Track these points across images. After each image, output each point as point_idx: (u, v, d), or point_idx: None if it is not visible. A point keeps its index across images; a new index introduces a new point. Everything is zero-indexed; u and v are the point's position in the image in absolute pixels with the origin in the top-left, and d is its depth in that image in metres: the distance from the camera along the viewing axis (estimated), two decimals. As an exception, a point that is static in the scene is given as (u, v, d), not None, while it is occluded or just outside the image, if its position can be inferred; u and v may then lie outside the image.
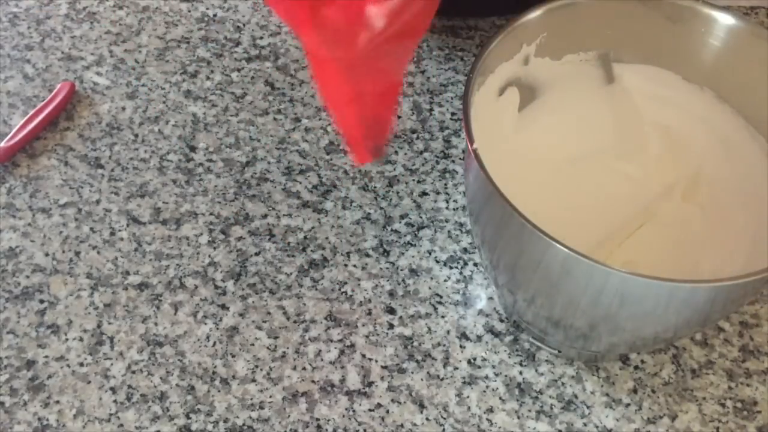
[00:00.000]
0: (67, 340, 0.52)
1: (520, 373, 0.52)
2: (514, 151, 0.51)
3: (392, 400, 0.51)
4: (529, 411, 0.51)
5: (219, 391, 0.51)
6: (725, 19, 0.50)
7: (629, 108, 0.54)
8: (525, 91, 0.53)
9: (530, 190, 0.46)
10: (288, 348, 0.53)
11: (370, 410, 0.51)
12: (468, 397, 0.51)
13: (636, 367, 0.53)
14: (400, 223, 0.59)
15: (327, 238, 0.58)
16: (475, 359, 0.53)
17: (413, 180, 0.61)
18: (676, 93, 0.53)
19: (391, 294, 0.55)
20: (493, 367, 0.53)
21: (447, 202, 0.60)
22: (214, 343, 0.53)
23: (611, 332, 0.47)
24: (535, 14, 0.50)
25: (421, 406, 0.51)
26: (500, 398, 0.51)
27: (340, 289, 0.55)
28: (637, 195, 0.51)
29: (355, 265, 0.56)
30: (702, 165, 0.52)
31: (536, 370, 0.53)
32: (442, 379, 0.52)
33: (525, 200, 0.42)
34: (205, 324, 0.53)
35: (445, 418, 0.50)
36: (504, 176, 0.42)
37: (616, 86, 0.54)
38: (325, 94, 0.43)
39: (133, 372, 0.51)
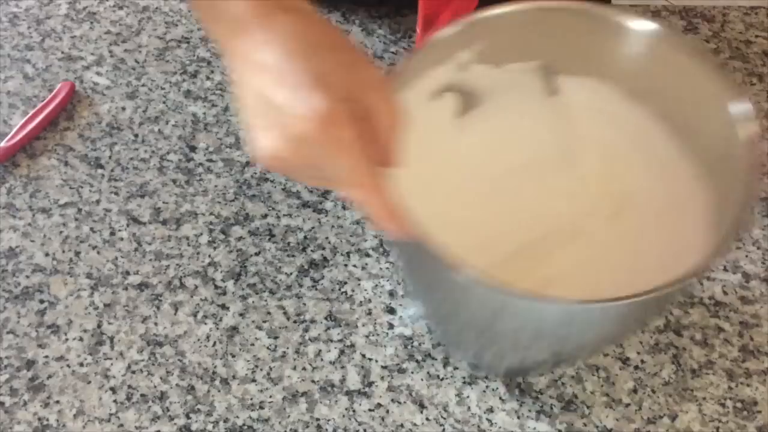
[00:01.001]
0: (67, 340, 0.52)
1: (520, 373, 0.52)
2: (448, 158, 0.50)
3: (392, 400, 0.51)
4: (529, 411, 0.51)
5: (219, 391, 0.51)
6: (667, 35, 0.48)
7: (567, 122, 0.52)
8: (467, 97, 0.51)
9: (455, 199, 0.45)
10: (288, 348, 0.53)
11: (370, 410, 0.51)
12: (468, 397, 0.51)
13: (636, 367, 0.53)
14: (400, 223, 0.59)
15: (327, 238, 0.58)
16: (475, 359, 0.53)
17: (413, 180, 0.61)
18: (615, 108, 0.51)
19: (391, 294, 0.55)
20: (493, 367, 0.53)
21: (447, 202, 0.60)
22: (214, 343, 0.53)
23: (502, 352, 0.47)
24: (476, 18, 0.48)
25: (421, 406, 0.51)
26: (500, 398, 0.51)
27: (340, 289, 0.55)
28: (565, 210, 0.50)
29: (355, 265, 0.56)
30: (632, 183, 0.50)
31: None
32: (442, 379, 0.52)
33: (445, 210, 0.41)
34: (205, 324, 0.53)
35: (445, 418, 0.50)
36: (431, 183, 0.42)
37: (557, 99, 0.52)
38: None
39: (133, 372, 0.51)
